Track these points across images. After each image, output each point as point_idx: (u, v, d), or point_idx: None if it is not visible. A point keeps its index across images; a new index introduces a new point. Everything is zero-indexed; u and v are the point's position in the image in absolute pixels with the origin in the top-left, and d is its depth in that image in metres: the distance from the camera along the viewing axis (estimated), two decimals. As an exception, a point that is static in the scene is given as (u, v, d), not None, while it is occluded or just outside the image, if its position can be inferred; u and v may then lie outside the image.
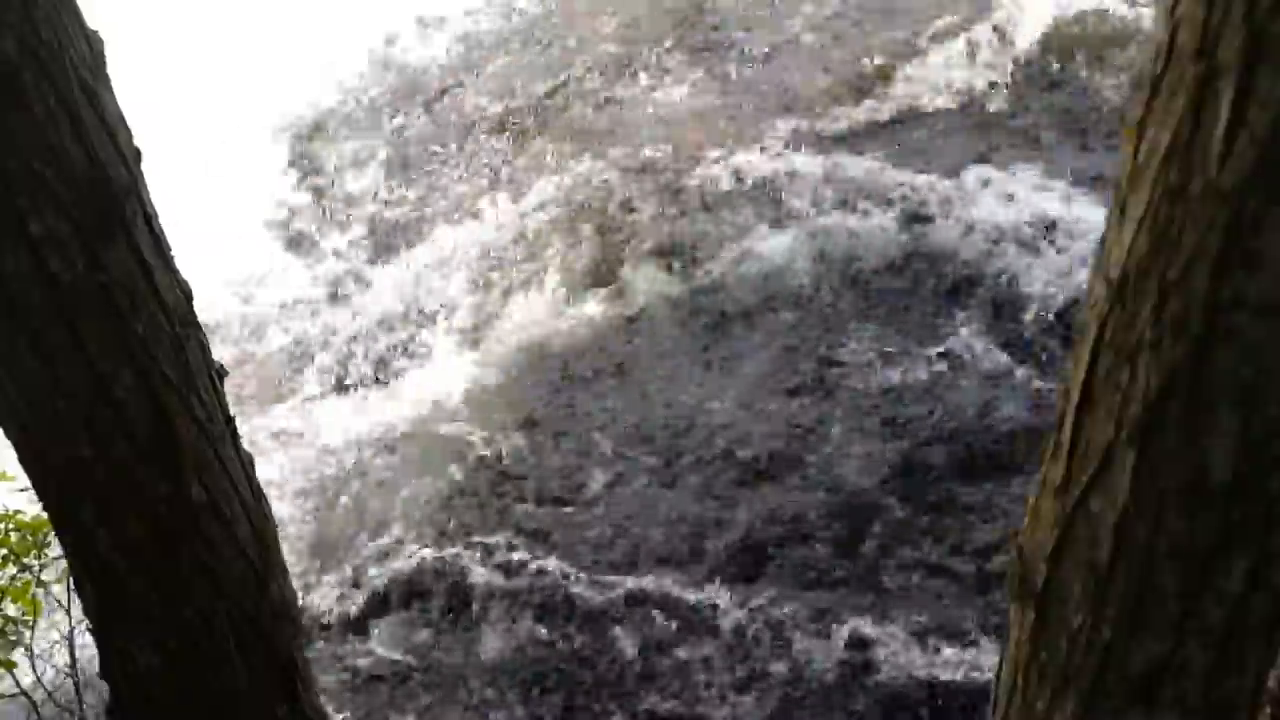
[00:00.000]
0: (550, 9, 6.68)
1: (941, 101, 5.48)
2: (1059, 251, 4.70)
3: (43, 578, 3.09)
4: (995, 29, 5.79)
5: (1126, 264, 1.00)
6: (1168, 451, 1.01)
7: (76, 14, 1.60)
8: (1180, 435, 0.99)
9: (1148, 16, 5.45)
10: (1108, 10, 5.65)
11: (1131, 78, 4.41)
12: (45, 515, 1.95)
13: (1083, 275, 4.47)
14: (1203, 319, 0.94)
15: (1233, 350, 0.95)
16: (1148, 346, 0.99)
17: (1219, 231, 0.91)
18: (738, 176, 5.23)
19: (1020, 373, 4.36)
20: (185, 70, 6.21)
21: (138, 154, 1.63)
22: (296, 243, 5.75)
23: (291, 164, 6.13)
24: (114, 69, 1.63)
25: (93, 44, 1.62)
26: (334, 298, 5.41)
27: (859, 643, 3.77)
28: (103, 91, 1.58)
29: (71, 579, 2.13)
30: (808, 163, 5.19)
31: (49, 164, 1.49)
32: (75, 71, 1.54)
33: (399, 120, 6.31)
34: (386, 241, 5.61)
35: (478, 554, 4.21)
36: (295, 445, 4.82)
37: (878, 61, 5.75)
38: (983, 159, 5.15)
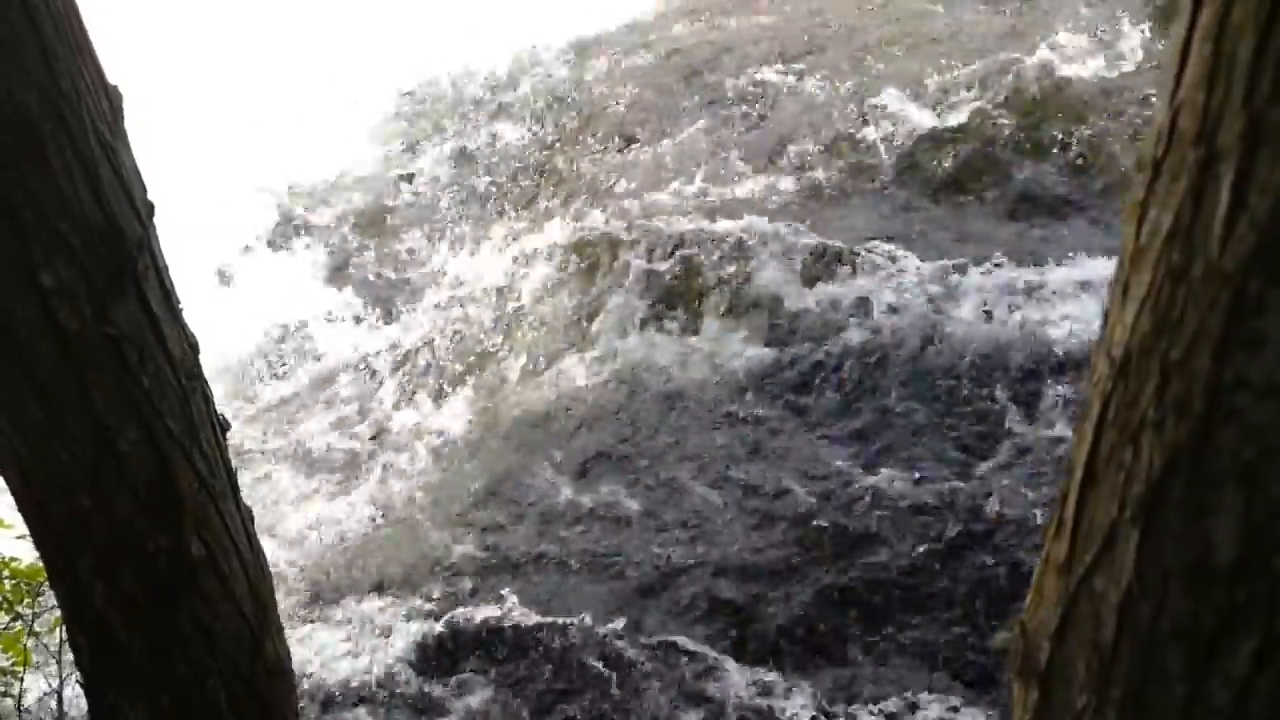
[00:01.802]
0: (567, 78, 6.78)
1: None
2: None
3: (35, 627, 3.07)
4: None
5: (1129, 343, 1.00)
6: (1171, 531, 1.01)
7: (97, 68, 1.63)
8: (1184, 515, 0.99)
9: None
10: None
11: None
12: (41, 563, 1.94)
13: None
14: (1205, 399, 0.94)
15: (1235, 430, 0.95)
16: (1150, 426, 0.99)
17: (1221, 313, 0.92)
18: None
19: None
20: (190, 130, 6.28)
21: (151, 208, 1.65)
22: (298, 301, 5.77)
23: (295, 225, 6.17)
24: (131, 120, 1.66)
25: (112, 98, 1.65)
26: (347, 343, 5.43)
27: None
28: (120, 146, 1.61)
29: (64, 630, 2.12)
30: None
31: (63, 216, 1.50)
32: (94, 125, 1.56)
33: (410, 177, 6.37)
34: (385, 297, 5.64)
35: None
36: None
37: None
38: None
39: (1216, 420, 0.94)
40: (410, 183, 6.42)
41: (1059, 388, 4.43)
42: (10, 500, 1.75)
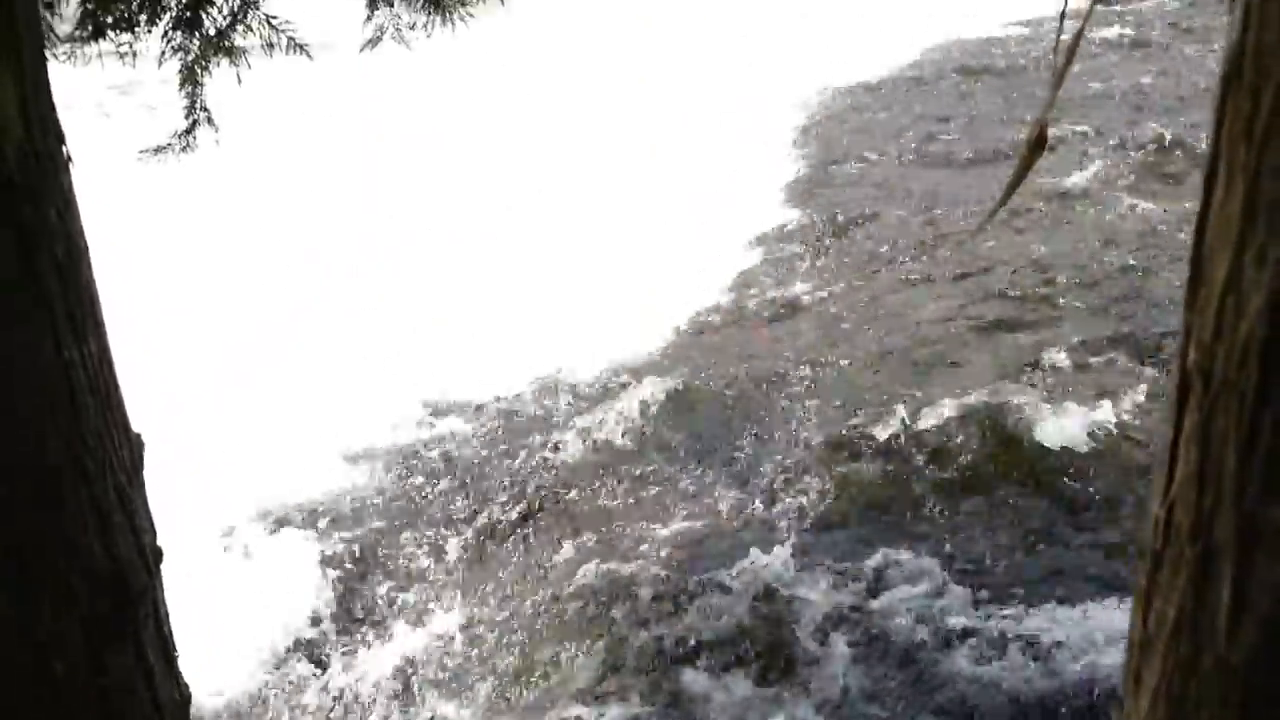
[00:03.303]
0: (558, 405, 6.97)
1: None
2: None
3: None
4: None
5: (1148, 731, 0.99)
6: None
7: (123, 417, 1.69)
8: None
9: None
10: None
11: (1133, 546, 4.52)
12: None
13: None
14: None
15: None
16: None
17: (1235, 709, 0.91)
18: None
19: None
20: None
21: (159, 555, 1.66)
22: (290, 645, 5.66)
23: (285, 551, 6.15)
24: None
25: (134, 448, 1.70)
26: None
27: None
28: (136, 494, 1.64)
29: None
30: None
31: (71, 562, 1.51)
32: (113, 476, 1.60)
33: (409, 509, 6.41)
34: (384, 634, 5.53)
35: None
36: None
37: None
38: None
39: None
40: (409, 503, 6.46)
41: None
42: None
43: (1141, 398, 5.69)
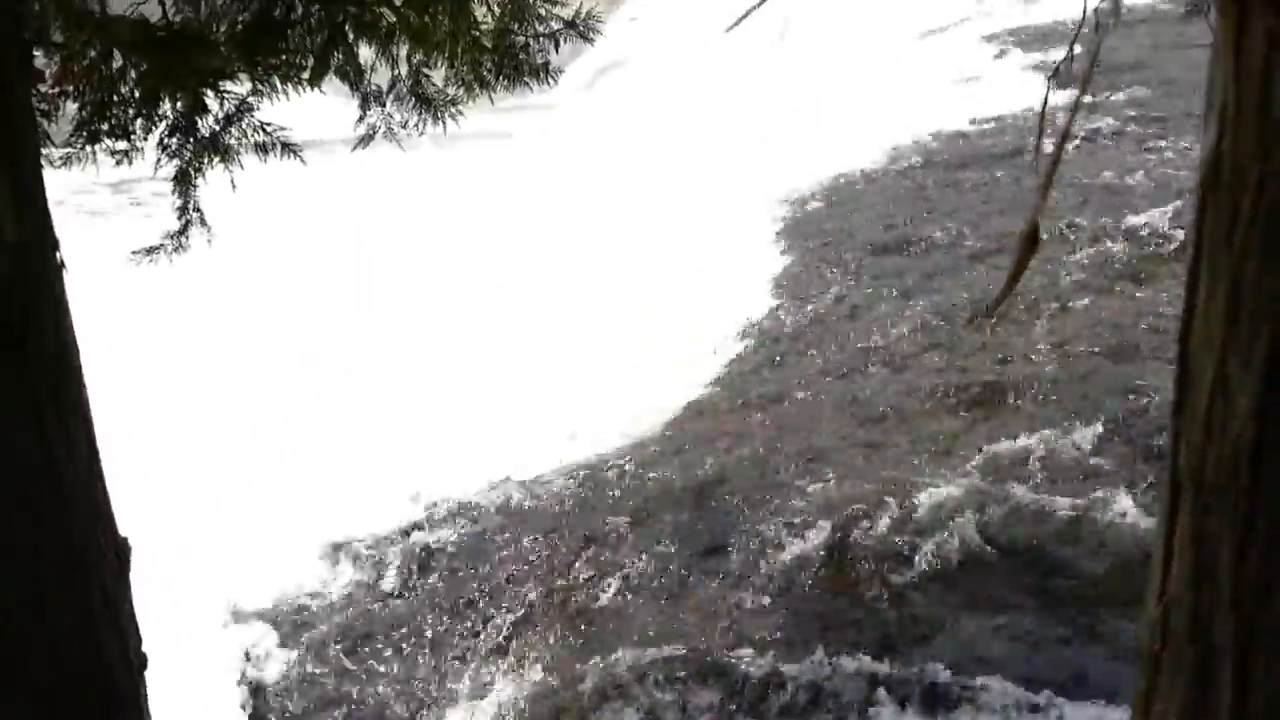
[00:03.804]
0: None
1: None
2: None
3: None
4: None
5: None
6: None
7: (110, 521, 1.67)
8: None
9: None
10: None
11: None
12: None
13: None
14: None
15: None
16: None
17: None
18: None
19: None
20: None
21: (144, 661, 1.64)
22: None
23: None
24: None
25: (120, 553, 1.68)
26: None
27: None
28: (121, 598, 1.62)
29: None
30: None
31: (58, 676, 1.49)
32: (99, 579, 1.58)
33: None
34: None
35: None
36: None
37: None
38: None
39: None
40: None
41: None
42: None
43: (1131, 491, 5.68)
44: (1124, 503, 5.60)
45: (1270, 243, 0.83)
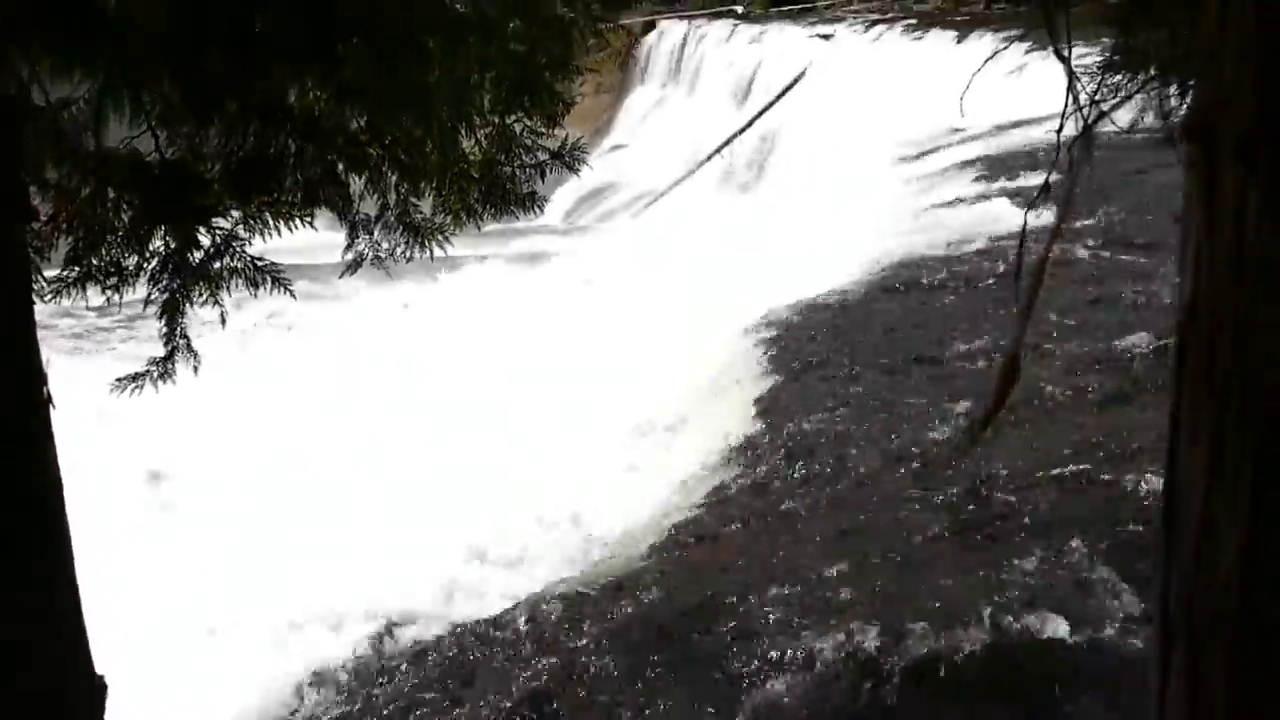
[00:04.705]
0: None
1: None
2: None
3: None
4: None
5: None
6: None
7: (87, 660, 1.64)
8: None
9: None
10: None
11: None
12: None
13: None
14: None
15: None
16: None
17: None
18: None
19: None
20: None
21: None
22: None
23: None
24: None
25: (97, 691, 1.65)
26: None
27: None
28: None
29: None
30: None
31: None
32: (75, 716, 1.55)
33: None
34: None
35: None
36: None
37: None
38: None
39: None
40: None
41: None
42: None
43: (1124, 610, 5.64)
44: (1118, 622, 5.56)
45: (1250, 385, 0.84)
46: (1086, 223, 11.81)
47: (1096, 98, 2.93)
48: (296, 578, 7.63)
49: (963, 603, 5.95)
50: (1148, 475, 6.74)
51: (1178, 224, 1.05)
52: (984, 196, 13.81)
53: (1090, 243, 11.27)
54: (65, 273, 3.44)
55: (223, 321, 3.89)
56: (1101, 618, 5.63)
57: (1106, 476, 7.01)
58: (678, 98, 34.01)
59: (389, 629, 7.09)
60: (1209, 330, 0.89)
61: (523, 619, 6.83)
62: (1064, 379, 8.53)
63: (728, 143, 27.71)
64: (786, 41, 30.94)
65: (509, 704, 5.94)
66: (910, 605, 6.00)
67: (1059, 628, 5.58)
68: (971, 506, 7.00)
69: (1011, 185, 13.81)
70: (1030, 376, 8.38)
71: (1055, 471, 7.22)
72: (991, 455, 7.67)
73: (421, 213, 4.44)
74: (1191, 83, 2.68)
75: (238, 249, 3.64)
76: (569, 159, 4.49)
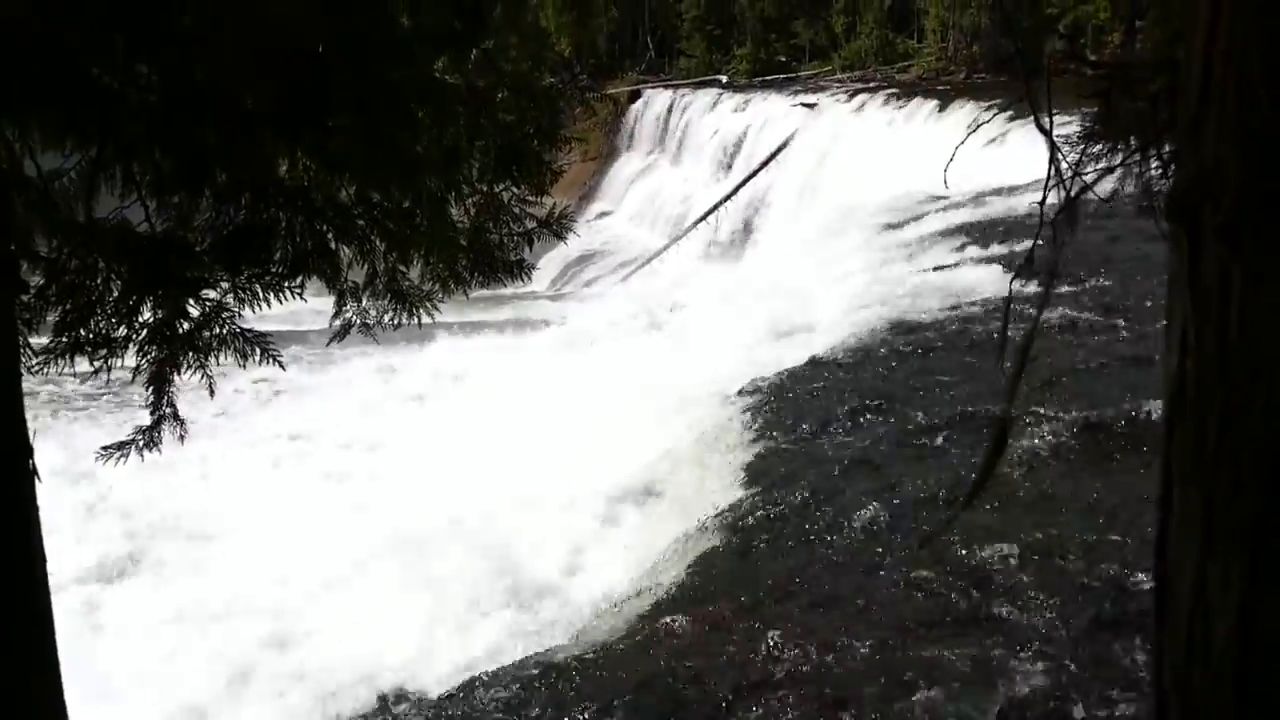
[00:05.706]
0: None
1: None
2: None
3: None
4: None
5: None
6: None
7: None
8: None
9: None
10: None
11: None
12: None
13: None
14: None
15: None
16: None
17: None
18: None
19: None
20: None
21: None
22: None
23: None
24: None
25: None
26: None
27: None
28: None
29: None
30: None
31: None
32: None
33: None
34: None
35: None
36: None
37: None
38: None
39: None
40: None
41: None
42: None
43: (1120, 681, 5.59)
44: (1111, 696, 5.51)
45: (1240, 461, 0.85)
46: (1076, 288, 11.93)
47: (1078, 169, 2.96)
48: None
49: (958, 679, 5.90)
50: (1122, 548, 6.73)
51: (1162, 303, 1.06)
52: (967, 262, 13.95)
53: (1074, 311, 11.36)
54: (53, 343, 3.43)
55: (211, 392, 3.88)
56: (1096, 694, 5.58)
57: (1091, 544, 6.99)
58: (663, 164, 34.41)
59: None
60: (1197, 406, 0.89)
61: (491, 691, 6.74)
62: (1051, 446, 8.53)
63: (714, 209, 27.99)
64: (770, 109, 31.41)
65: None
66: (905, 685, 5.94)
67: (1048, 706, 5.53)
68: (960, 582, 6.95)
69: (994, 252, 13.96)
70: (1015, 445, 8.39)
71: (1043, 538, 7.19)
72: (978, 525, 7.64)
73: (409, 280, 4.45)
74: (1171, 153, 2.72)
75: (226, 319, 3.63)
76: (556, 227, 4.52)
